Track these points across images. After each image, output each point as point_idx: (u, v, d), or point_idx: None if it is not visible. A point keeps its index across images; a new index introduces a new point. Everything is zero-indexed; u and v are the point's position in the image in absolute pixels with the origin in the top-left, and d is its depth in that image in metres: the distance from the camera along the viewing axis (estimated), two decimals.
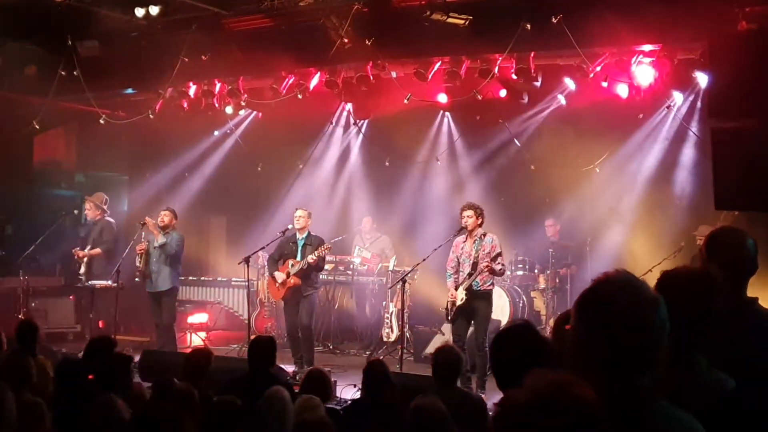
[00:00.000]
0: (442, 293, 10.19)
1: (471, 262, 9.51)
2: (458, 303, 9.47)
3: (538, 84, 10.56)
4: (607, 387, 2.08)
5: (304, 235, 10.70)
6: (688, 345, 2.70)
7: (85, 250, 12.04)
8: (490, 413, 2.01)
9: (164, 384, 5.76)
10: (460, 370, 6.15)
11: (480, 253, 9.45)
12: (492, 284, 9.66)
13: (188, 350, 9.52)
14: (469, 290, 9.43)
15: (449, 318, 9.66)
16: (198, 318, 13.59)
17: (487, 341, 9.39)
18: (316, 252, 10.42)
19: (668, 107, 11.19)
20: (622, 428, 2.01)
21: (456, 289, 9.52)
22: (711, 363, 2.73)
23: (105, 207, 12.23)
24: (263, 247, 11.41)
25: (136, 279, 11.31)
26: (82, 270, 12.01)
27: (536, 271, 12.66)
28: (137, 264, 11.14)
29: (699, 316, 2.72)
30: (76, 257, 12.02)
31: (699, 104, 10.76)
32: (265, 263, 12.20)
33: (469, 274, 9.46)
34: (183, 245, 11.32)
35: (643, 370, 2.16)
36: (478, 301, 9.48)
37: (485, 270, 9.36)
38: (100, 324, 11.53)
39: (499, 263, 9.49)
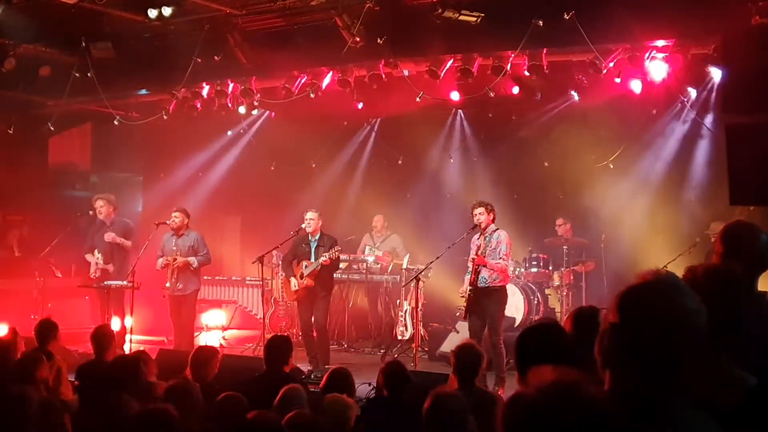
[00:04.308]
0: (456, 291, 10.18)
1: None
2: (464, 298, 9.50)
3: (550, 80, 10.53)
4: (635, 386, 2.05)
5: (317, 236, 10.72)
6: (712, 342, 2.67)
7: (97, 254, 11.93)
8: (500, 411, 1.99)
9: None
10: (480, 366, 6.14)
11: (487, 249, 9.44)
12: (502, 280, 9.53)
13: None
14: (474, 286, 9.42)
15: (463, 316, 9.67)
16: (213, 317, 13.64)
17: (500, 339, 9.39)
18: (327, 254, 10.43)
19: (682, 103, 11.15)
20: (628, 426, 1.98)
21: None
22: (732, 359, 2.72)
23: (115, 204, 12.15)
24: (277, 246, 11.45)
25: (170, 293, 11.28)
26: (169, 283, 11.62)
27: (551, 268, 12.62)
28: (168, 284, 11.13)
29: (724, 313, 2.69)
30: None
31: (713, 99, 10.71)
32: (279, 262, 12.25)
33: (473, 271, 9.49)
34: (205, 244, 11.42)
35: (678, 376, 2.12)
36: (487, 298, 9.44)
37: (476, 264, 9.34)
38: (116, 324, 11.55)
39: (499, 258, 9.44)
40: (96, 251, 11.66)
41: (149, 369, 6.21)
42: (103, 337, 7.23)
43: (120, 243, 11.62)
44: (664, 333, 2.08)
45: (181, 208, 11.50)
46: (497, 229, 9.61)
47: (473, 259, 9.41)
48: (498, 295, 9.52)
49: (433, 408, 4.47)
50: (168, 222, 11.33)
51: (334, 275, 11.28)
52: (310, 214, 10.72)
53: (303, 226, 10.75)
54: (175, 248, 11.18)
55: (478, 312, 9.48)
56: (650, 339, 2.08)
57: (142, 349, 10.68)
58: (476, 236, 9.72)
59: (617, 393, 2.05)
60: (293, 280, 10.69)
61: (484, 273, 9.44)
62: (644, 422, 2.04)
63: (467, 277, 9.67)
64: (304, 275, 10.55)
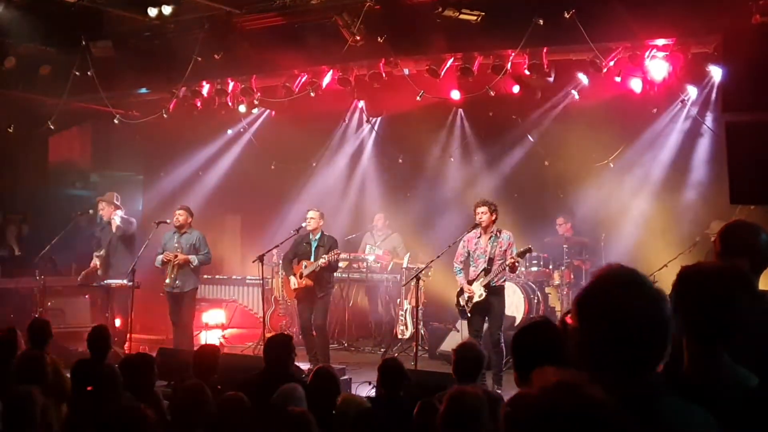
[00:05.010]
0: (456, 290, 10.19)
1: (486, 258, 9.53)
2: (476, 299, 9.49)
3: (551, 79, 10.53)
4: (612, 385, 2.06)
5: (317, 235, 10.72)
6: (713, 339, 2.68)
7: (101, 252, 12.05)
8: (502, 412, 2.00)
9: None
10: (482, 366, 6.13)
11: (496, 250, 9.47)
12: (505, 280, 9.73)
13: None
14: (488, 287, 9.46)
15: (466, 314, 9.68)
16: (213, 316, 13.64)
17: (502, 337, 9.42)
18: (326, 256, 10.44)
19: (682, 101, 11.14)
20: (630, 427, 2.00)
21: (470, 284, 9.55)
22: (733, 358, 2.71)
23: (118, 203, 12.21)
24: (277, 246, 11.46)
25: (170, 290, 11.32)
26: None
27: (551, 267, 12.62)
28: (168, 281, 11.18)
29: (725, 310, 2.69)
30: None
31: (713, 98, 10.70)
32: (280, 261, 12.27)
33: (485, 270, 9.48)
34: (207, 243, 11.48)
35: (649, 367, 2.14)
36: (493, 296, 9.53)
37: (509, 266, 9.39)
38: (118, 323, 11.58)
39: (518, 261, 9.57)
40: (102, 250, 11.80)
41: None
42: (98, 339, 7.18)
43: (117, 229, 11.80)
44: (618, 329, 2.12)
45: (185, 207, 11.58)
46: (501, 230, 9.65)
47: (511, 262, 9.40)
48: (502, 294, 9.69)
49: (452, 406, 4.44)
50: (168, 221, 11.43)
51: (335, 274, 11.27)
52: (311, 213, 10.74)
53: (303, 224, 10.76)
54: (177, 245, 11.23)
55: (481, 311, 9.53)
56: (605, 337, 2.12)
57: (141, 348, 10.76)
58: (473, 234, 9.73)
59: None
60: (293, 279, 10.70)
61: (499, 274, 9.50)
62: (640, 416, 2.05)
63: (461, 275, 9.70)
64: (304, 275, 10.55)
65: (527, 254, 9.70)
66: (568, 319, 2.25)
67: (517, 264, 9.57)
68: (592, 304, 2.17)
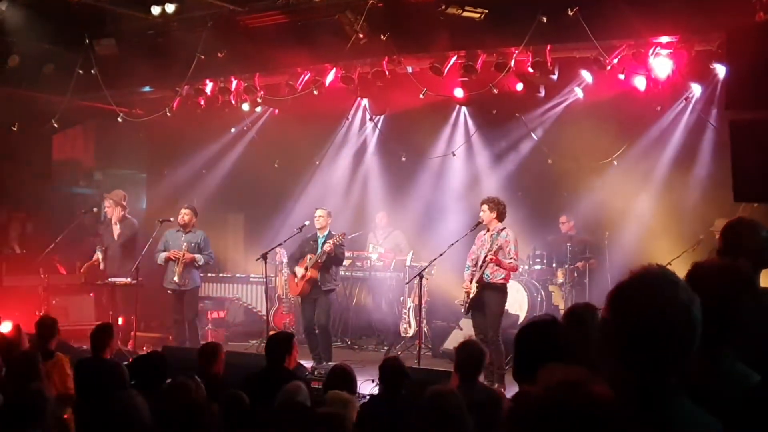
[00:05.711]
0: (459, 288, 10.19)
1: (485, 256, 9.53)
2: (471, 295, 9.50)
3: (554, 77, 10.51)
4: (629, 383, 2.06)
5: (325, 233, 10.75)
6: (714, 337, 2.67)
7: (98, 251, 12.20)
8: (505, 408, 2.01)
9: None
10: (483, 365, 6.12)
11: (493, 247, 9.45)
12: (504, 278, 9.55)
13: None
14: (480, 282, 9.44)
15: (464, 310, 9.71)
16: (216, 314, 13.66)
17: (499, 336, 9.40)
18: (330, 240, 10.44)
19: (686, 99, 11.12)
20: (639, 426, 1.99)
21: (471, 281, 9.55)
22: (736, 356, 2.71)
23: (124, 203, 12.27)
24: (281, 244, 11.49)
25: (175, 287, 11.35)
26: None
27: (554, 265, 12.59)
28: (175, 279, 11.20)
29: (726, 308, 2.68)
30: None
31: (717, 96, 10.67)
32: (283, 259, 12.29)
33: (481, 267, 9.50)
34: (210, 244, 11.62)
35: (670, 369, 2.13)
36: (488, 293, 9.47)
37: (491, 262, 9.35)
38: (120, 321, 11.60)
39: (510, 258, 9.47)
40: (104, 247, 11.99)
41: None
42: (99, 336, 7.18)
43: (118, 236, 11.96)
44: (650, 326, 2.11)
45: (191, 206, 11.66)
46: (504, 228, 9.62)
47: (491, 258, 9.38)
48: (499, 291, 9.57)
49: (429, 406, 4.45)
50: (172, 219, 11.48)
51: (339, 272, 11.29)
52: (319, 212, 10.80)
53: (307, 222, 10.80)
54: (185, 243, 11.28)
55: (480, 307, 9.51)
56: (637, 332, 2.11)
57: (145, 346, 10.77)
58: (483, 232, 9.75)
59: (612, 385, 2.06)
60: (298, 269, 10.71)
61: (487, 270, 9.45)
62: (650, 417, 2.05)
63: (468, 272, 9.69)
64: (309, 267, 10.56)
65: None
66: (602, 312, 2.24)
67: (507, 261, 9.47)
68: (626, 299, 2.16)
